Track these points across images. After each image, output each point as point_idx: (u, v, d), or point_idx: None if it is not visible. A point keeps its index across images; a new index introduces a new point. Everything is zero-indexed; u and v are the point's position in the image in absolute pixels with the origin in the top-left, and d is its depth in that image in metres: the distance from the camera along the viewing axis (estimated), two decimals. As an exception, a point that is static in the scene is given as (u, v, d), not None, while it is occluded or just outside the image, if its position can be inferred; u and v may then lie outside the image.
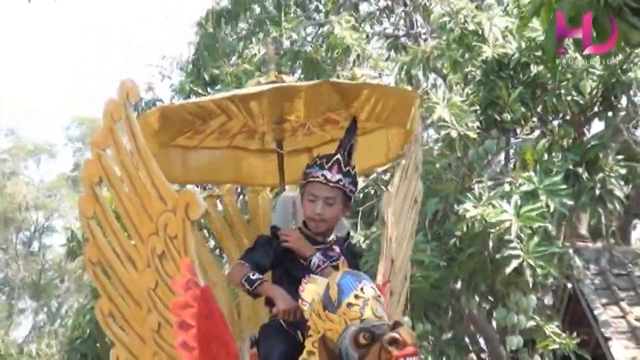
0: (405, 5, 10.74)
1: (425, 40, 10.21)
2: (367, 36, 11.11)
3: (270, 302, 4.59)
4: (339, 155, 4.70)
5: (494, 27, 8.91)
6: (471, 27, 8.96)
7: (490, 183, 8.76)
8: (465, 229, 8.34)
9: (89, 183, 4.92)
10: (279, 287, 4.59)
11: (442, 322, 9.16)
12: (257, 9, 11.45)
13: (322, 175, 4.66)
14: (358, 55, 10.26)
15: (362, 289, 4.09)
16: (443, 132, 8.64)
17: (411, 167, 5.06)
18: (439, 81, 10.66)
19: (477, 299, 9.15)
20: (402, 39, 10.97)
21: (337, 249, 4.73)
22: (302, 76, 10.48)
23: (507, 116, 8.87)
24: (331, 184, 4.65)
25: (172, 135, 5.12)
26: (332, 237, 4.80)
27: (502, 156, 9.77)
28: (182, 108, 5.05)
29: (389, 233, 4.82)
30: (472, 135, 8.62)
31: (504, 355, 9.70)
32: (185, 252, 4.55)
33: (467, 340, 10.30)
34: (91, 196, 4.91)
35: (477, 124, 8.78)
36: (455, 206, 8.79)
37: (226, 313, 5.15)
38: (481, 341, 10.63)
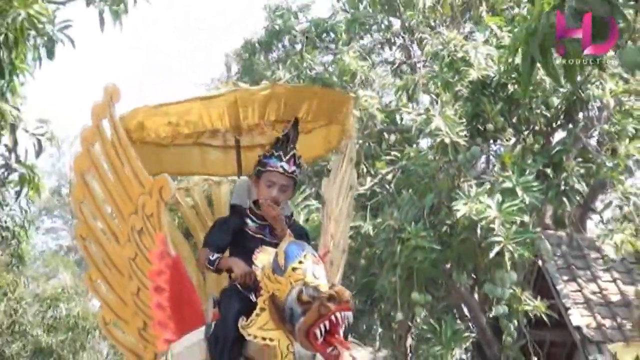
0: (403, 39, 11.05)
1: (420, 68, 10.48)
2: (373, 64, 11.37)
3: (229, 271, 4.63)
4: (294, 151, 4.75)
5: (479, 54, 9.20)
6: (460, 54, 9.24)
7: (475, 181, 9.04)
8: (456, 220, 8.58)
9: (79, 172, 4.99)
10: (235, 257, 4.59)
11: (438, 294, 9.54)
12: (286, 40, 11.80)
13: (281, 166, 4.69)
14: (362, 80, 10.59)
15: (304, 256, 4.16)
16: (438, 139, 8.84)
17: (346, 159, 5.08)
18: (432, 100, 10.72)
19: (465, 276, 9.59)
20: (403, 66, 11.30)
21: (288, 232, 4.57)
22: None
23: (490, 126, 9.22)
24: (287, 174, 4.70)
25: (144, 134, 4.99)
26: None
27: (484, 159, 10.09)
28: (156, 112, 4.92)
29: (328, 212, 4.88)
30: (462, 142, 8.83)
31: (484, 320, 10.06)
32: (160, 228, 4.63)
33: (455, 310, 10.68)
34: (81, 183, 4.97)
35: (465, 133, 8.98)
36: (447, 201, 9.01)
37: (194, 280, 5.15)
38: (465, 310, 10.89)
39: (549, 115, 9.52)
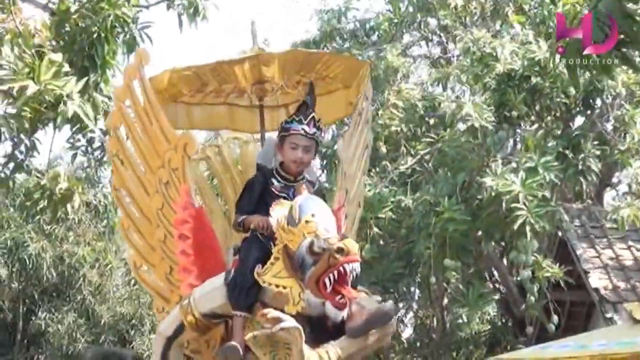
0: (439, 36, 11.10)
1: (454, 61, 10.55)
2: (413, 59, 11.50)
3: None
4: (314, 114, 4.56)
5: (505, 50, 9.15)
6: (488, 50, 9.23)
7: (502, 161, 9.09)
8: (485, 195, 8.68)
9: (113, 128, 4.84)
10: (256, 214, 4.41)
11: (468, 260, 9.51)
12: (338, 39, 11.75)
13: (302, 129, 4.50)
14: (404, 74, 10.64)
15: (317, 211, 4.04)
16: (469, 124, 8.90)
17: (362, 120, 4.85)
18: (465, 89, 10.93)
19: (492, 244, 9.65)
20: (440, 60, 11.32)
21: (306, 187, 4.50)
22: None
23: (515, 113, 9.15)
24: (309, 136, 4.52)
25: (176, 92, 4.91)
26: (301, 177, 4.60)
27: (511, 142, 10.06)
28: (183, 71, 4.81)
29: (344, 169, 4.68)
30: (489, 127, 8.90)
31: (512, 283, 10.22)
32: (184, 180, 4.51)
33: (485, 273, 10.74)
34: (115, 138, 4.83)
35: (492, 119, 8.99)
36: (478, 178, 9.07)
37: (220, 231, 5.00)
38: (495, 274, 11.10)
39: (568, 103, 9.45)
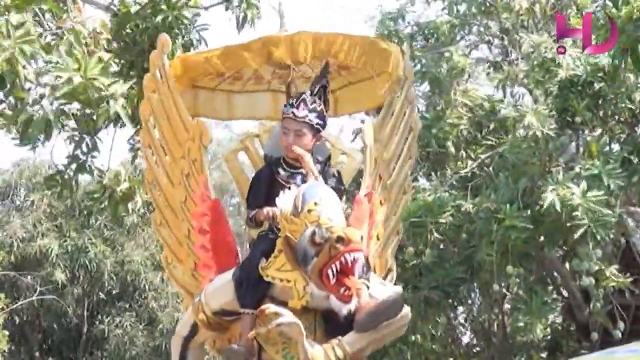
0: (502, 39, 11.08)
1: (516, 65, 10.44)
2: (475, 61, 11.37)
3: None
4: (304, 95, 4.38)
5: (567, 55, 8.83)
6: (549, 55, 9.13)
7: (564, 166, 9.11)
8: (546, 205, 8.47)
9: (144, 119, 4.73)
10: (266, 207, 4.25)
11: (531, 266, 9.57)
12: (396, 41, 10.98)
13: (292, 112, 4.35)
14: (469, 75, 10.62)
15: (320, 198, 3.85)
16: (530, 132, 8.90)
17: (402, 100, 4.65)
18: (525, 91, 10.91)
19: (555, 250, 9.75)
20: (501, 63, 11.25)
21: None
22: (428, 90, 10.98)
23: (578, 119, 9.13)
24: (299, 119, 4.33)
25: (193, 77, 4.72)
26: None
27: (573, 148, 9.89)
28: (197, 57, 4.70)
29: (374, 155, 4.46)
30: (551, 134, 8.86)
31: (575, 288, 10.18)
32: (202, 171, 4.40)
33: (548, 279, 10.71)
34: (146, 130, 4.73)
35: (555, 125, 8.94)
36: (539, 184, 9.03)
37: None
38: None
39: (632, 107, 9.34)
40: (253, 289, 4.07)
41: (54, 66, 5.88)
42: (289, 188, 4.12)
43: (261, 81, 4.96)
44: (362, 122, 9.58)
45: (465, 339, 12.57)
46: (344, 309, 3.83)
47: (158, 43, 4.61)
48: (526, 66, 9.82)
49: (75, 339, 18.11)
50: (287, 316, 3.78)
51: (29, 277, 17.23)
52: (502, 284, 9.93)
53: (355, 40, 4.51)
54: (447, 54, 10.38)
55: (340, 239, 3.68)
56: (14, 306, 16.37)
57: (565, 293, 10.85)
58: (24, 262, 17.38)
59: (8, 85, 5.91)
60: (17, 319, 17.72)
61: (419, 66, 10.53)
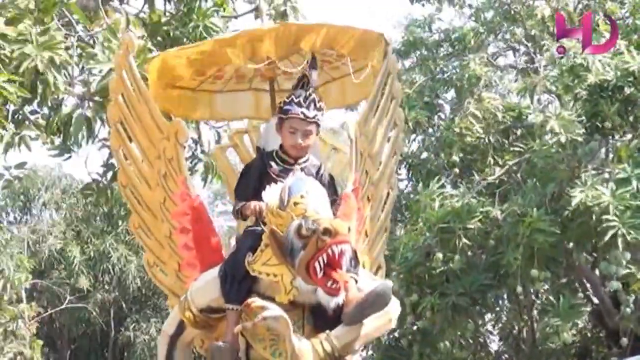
0: (526, 46, 11.13)
1: (542, 71, 10.51)
2: (500, 68, 11.56)
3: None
4: (314, 95, 4.29)
5: (596, 59, 9.04)
6: (579, 60, 9.12)
7: (594, 172, 9.07)
8: (574, 205, 8.56)
9: (112, 122, 4.61)
10: (253, 200, 4.18)
11: (558, 271, 9.61)
12: (422, 49, 11.96)
13: (302, 112, 4.24)
14: (486, 83, 10.69)
15: (307, 191, 3.79)
16: (555, 139, 8.98)
17: (386, 95, 4.56)
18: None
19: (584, 254, 9.71)
20: (527, 70, 11.31)
21: (307, 171, 4.29)
22: (452, 97, 11.14)
23: (607, 124, 9.16)
24: (309, 120, 4.27)
25: (173, 78, 4.60)
26: (303, 160, 4.35)
27: (603, 153, 9.86)
28: (177, 54, 4.56)
29: (360, 149, 4.38)
30: (579, 139, 8.92)
31: (604, 294, 10.14)
32: (180, 171, 4.32)
33: (576, 284, 10.71)
34: (115, 133, 4.61)
35: (583, 130, 8.98)
36: (568, 189, 9.00)
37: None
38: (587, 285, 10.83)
39: (663, 112, 9.34)
40: (239, 284, 4.00)
41: (91, 60, 5.91)
42: (281, 182, 4.06)
43: (243, 80, 4.92)
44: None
45: (494, 346, 12.56)
46: (332, 302, 3.75)
47: (122, 43, 4.54)
48: (553, 72, 9.91)
49: (103, 345, 18.26)
50: (273, 310, 3.71)
51: (53, 284, 17.37)
52: (531, 290, 9.94)
53: (342, 31, 4.42)
54: (467, 63, 10.55)
55: (327, 231, 3.61)
56: (45, 314, 16.47)
57: (594, 299, 10.83)
58: (45, 269, 17.55)
59: (39, 97, 5.94)
60: (45, 327, 17.85)
61: (442, 74, 10.62)
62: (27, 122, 6.56)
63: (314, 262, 3.64)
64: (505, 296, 11.58)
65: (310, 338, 3.81)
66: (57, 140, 6.90)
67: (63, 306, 16.64)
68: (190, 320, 4.17)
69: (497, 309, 12.04)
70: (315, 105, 4.27)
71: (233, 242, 4.46)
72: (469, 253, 10.09)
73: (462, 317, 9.98)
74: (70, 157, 7.00)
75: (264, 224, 3.96)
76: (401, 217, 12.22)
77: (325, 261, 3.64)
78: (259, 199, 4.08)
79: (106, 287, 17.82)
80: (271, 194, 3.91)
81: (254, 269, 3.87)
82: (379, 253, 4.70)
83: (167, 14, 7.48)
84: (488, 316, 12.11)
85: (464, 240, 9.49)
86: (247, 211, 4.17)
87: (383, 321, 3.95)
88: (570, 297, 9.42)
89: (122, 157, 4.61)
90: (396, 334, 10.66)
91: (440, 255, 9.59)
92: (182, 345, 4.39)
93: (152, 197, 4.48)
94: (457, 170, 10.86)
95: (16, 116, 6.49)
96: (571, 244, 9.46)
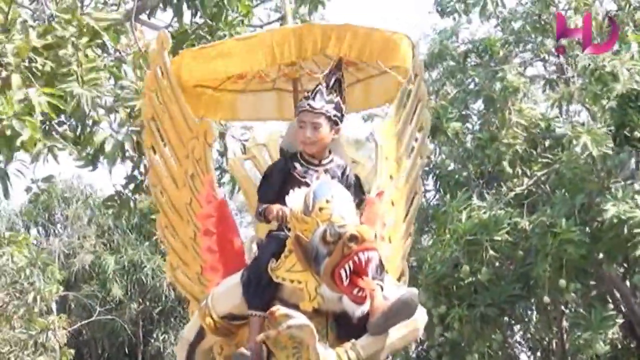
0: (557, 57, 11.02)
1: (573, 82, 10.52)
2: (530, 79, 11.43)
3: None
4: (320, 86, 4.17)
5: (624, 69, 9.05)
6: (607, 69, 9.09)
7: (623, 183, 9.12)
8: (605, 217, 8.63)
9: (146, 120, 4.55)
10: (277, 203, 4.04)
11: (588, 282, 9.57)
12: (449, 59, 11.85)
13: (308, 104, 4.14)
14: (524, 94, 10.66)
15: (332, 196, 3.68)
16: (586, 152, 9.01)
17: (412, 97, 4.46)
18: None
19: (615, 266, 9.71)
20: (557, 81, 11.25)
21: (332, 172, 4.16)
22: (483, 108, 11.08)
23: (637, 134, 8.96)
24: (315, 111, 4.12)
25: (194, 78, 4.49)
26: (328, 160, 4.21)
27: (633, 164, 9.93)
28: (198, 54, 4.50)
29: (385, 153, 4.30)
30: (609, 152, 8.96)
31: (636, 305, 10.13)
32: (207, 171, 4.24)
33: (607, 295, 10.55)
34: (149, 130, 4.54)
35: (612, 141, 8.96)
36: (597, 200, 9.09)
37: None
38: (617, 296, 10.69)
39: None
40: (262, 291, 3.88)
41: (121, 94, 5.97)
42: (305, 184, 3.96)
43: (265, 80, 4.78)
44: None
45: (523, 357, 12.51)
46: (357, 311, 3.63)
47: (157, 40, 4.47)
48: (582, 83, 9.88)
49: (131, 356, 18.38)
50: (298, 318, 3.58)
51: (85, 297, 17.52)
52: (560, 301, 9.89)
53: (363, 33, 4.32)
54: (500, 73, 10.47)
55: (353, 238, 3.52)
56: (76, 326, 16.58)
57: (625, 310, 10.74)
58: (76, 280, 17.74)
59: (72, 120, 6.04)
60: (74, 340, 18.00)
61: (472, 85, 10.63)
62: (54, 134, 6.61)
63: (340, 269, 3.54)
64: (534, 307, 11.52)
65: (335, 347, 3.73)
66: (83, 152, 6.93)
67: (93, 318, 16.73)
68: (210, 326, 4.07)
69: (526, 319, 11.98)
70: (322, 96, 4.14)
71: (254, 246, 4.35)
72: (497, 264, 10.07)
73: (490, 328, 9.97)
74: (97, 168, 7.06)
75: (288, 229, 3.88)
76: (428, 228, 12.19)
77: (352, 268, 3.55)
78: (283, 201, 3.97)
79: (138, 297, 17.92)
80: (295, 199, 3.80)
81: (278, 275, 3.79)
82: (403, 259, 4.57)
83: (194, 24, 7.53)
84: (517, 327, 12.05)
85: (491, 251, 9.46)
86: (270, 216, 4.05)
87: (409, 330, 3.85)
88: (602, 309, 9.38)
89: (152, 155, 4.54)
90: (425, 346, 10.67)
91: (467, 267, 9.56)
92: (202, 352, 4.29)
93: (179, 198, 4.41)
94: (484, 181, 10.81)
95: (44, 127, 6.52)
96: (601, 255, 9.43)
